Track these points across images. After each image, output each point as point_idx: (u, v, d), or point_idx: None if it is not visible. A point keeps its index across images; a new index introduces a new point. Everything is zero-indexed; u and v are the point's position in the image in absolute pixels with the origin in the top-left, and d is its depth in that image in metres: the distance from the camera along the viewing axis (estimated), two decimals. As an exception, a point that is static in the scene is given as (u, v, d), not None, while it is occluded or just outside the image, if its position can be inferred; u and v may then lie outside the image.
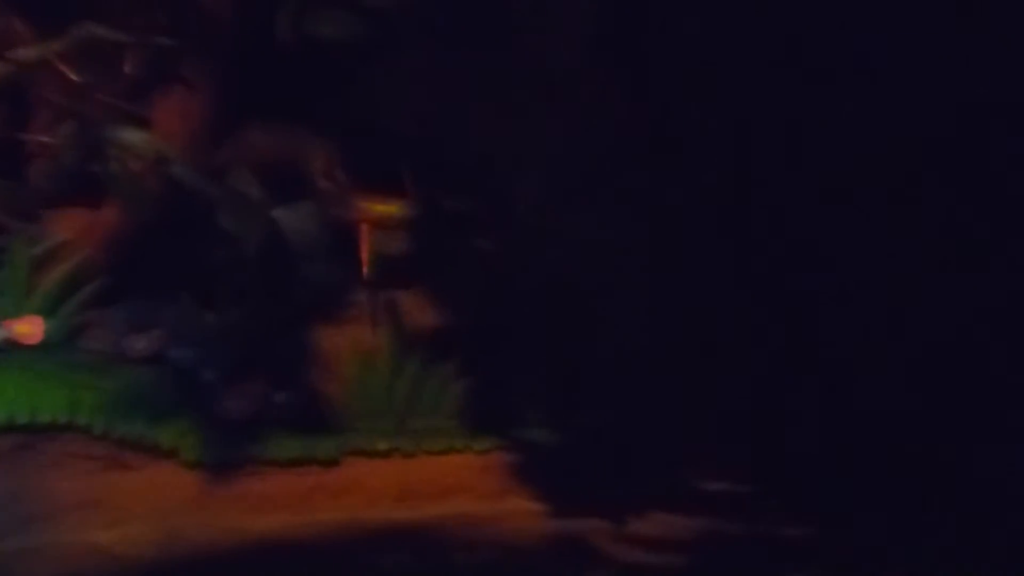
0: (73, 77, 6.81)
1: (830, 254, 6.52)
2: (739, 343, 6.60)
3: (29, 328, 6.56)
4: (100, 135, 6.77)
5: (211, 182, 6.81)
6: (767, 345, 6.56)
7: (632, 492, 6.55)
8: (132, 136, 6.80)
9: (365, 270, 7.10)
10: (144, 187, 6.82)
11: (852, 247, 6.53)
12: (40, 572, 5.80)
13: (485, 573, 5.99)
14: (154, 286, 6.72)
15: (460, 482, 6.64)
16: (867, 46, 6.34)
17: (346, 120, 6.87)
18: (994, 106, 6.23)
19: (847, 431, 6.40)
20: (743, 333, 6.61)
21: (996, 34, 6.17)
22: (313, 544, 6.13)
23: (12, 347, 6.49)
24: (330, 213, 7.02)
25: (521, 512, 6.50)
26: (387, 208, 7.14)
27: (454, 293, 7.01)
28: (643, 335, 6.70)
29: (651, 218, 6.67)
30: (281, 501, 6.41)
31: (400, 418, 6.88)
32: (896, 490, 6.26)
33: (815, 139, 6.44)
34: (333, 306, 6.95)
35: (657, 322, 6.70)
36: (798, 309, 6.54)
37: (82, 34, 6.80)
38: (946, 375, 6.30)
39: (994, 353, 6.27)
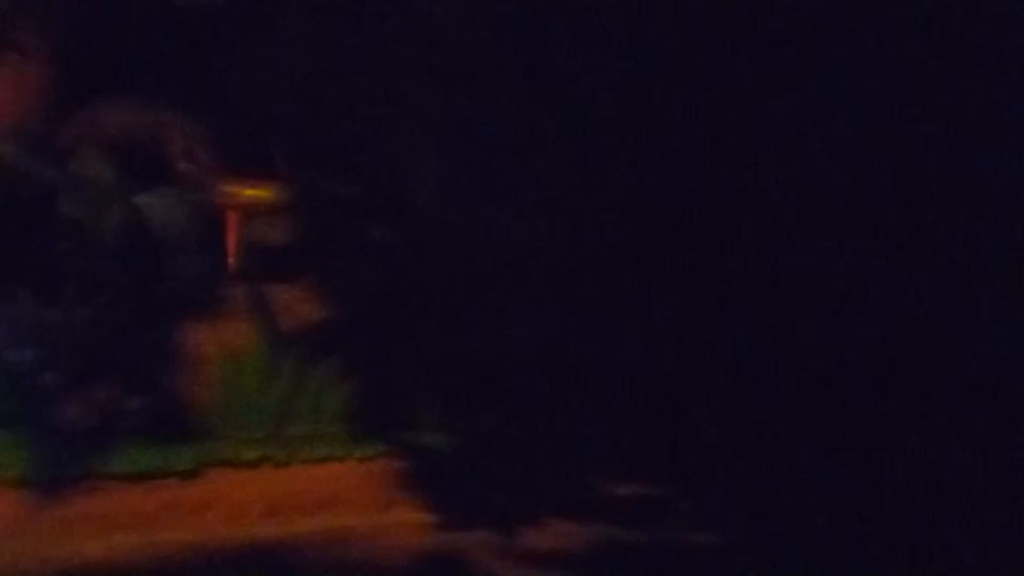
0: None
1: (740, 245, 6.37)
2: (649, 339, 6.42)
3: None
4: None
5: (50, 163, 6.26)
6: (678, 342, 6.41)
7: (532, 500, 6.24)
8: (-51, 109, 6.26)
9: (232, 260, 6.84)
10: (-37, 167, 6.27)
11: (763, 237, 6.38)
12: None
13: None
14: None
15: (338, 493, 6.28)
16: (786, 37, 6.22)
17: (210, 95, 6.58)
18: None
19: (763, 430, 6.24)
20: (653, 329, 6.43)
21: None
22: (156, 569, 5.71)
23: None
24: (192, 198, 6.55)
25: (405, 525, 6.12)
26: (258, 192, 6.86)
27: (337, 286, 6.71)
28: (546, 331, 6.45)
29: (554, 210, 6.48)
30: (125, 521, 5.98)
31: (275, 424, 6.60)
32: (812, 491, 6.06)
33: (721, 122, 6.31)
34: (198, 300, 6.65)
35: (561, 318, 6.45)
36: (710, 303, 6.38)
37: None
38: (866, 374, 6.19)
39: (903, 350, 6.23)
